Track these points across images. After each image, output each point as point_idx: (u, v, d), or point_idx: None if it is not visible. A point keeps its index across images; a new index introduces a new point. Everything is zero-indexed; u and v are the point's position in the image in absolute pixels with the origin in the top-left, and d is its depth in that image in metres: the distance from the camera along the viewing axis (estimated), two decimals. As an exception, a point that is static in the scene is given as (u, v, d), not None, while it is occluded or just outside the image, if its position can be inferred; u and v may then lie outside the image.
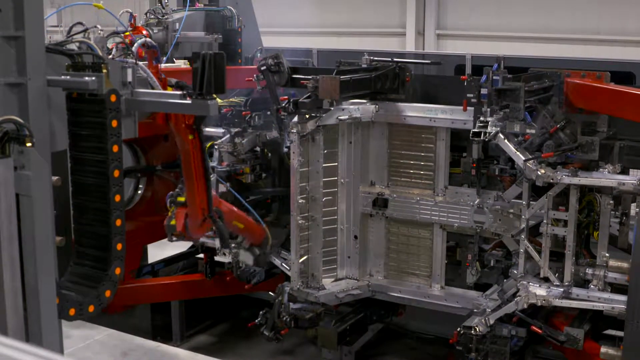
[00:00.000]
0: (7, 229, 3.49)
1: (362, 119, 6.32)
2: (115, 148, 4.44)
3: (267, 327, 6.47)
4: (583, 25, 15.11)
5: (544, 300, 5.55)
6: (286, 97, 6.72)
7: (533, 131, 5.48)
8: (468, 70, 10.57)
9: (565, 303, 5.53)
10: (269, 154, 6.93)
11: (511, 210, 5.87)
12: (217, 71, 4.69)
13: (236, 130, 6.89)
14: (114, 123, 4.42)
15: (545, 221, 5.62)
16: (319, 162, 6.25)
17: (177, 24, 7.61)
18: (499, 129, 5.45)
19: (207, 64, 4.65)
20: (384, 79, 6.32)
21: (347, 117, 6.25)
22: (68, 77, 4.41)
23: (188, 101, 4.80)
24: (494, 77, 5.39)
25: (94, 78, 4.32)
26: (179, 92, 4.92)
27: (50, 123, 4.31)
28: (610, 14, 14.83)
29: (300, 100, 5.90)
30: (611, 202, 5.50)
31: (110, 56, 5.66)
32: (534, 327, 5.63)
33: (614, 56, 12.89)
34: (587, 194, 5.68)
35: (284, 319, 6.29)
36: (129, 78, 4.86)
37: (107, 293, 4.56)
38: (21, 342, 1.53)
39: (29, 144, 3.59)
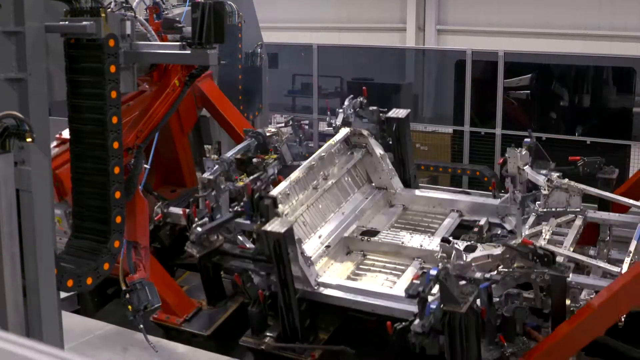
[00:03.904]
0: (7, 224, 3.49)
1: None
2: (113, 94, 4.41)
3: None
4: (584, 20, 15.09)
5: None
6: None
7: None
8: (468, 66, 10.56)
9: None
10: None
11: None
12: (217, 20, 4.63)
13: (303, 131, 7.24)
14: (112, 68, 4.38)
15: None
16: (337, 171, 6.80)
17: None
18: None
19: (206, 13, 4.59)
20: None
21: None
22: (66, 22, 4.36)
23: (187, 51, 4.77)
24: None
25: (92, 22, 4.27)
26: (177, 43, 4.86)
27: (48, 72, 4.20)
28: (610, 9, 14.82)
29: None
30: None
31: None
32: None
33: (615, 52, 12.89)
34: None
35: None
36: (128, 31, 4.80)
37: (106, 266, 4.55)
38: (22, 337, 1.53)
39: (29, 140, 3.59)
